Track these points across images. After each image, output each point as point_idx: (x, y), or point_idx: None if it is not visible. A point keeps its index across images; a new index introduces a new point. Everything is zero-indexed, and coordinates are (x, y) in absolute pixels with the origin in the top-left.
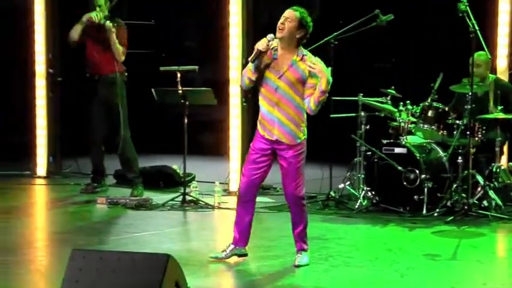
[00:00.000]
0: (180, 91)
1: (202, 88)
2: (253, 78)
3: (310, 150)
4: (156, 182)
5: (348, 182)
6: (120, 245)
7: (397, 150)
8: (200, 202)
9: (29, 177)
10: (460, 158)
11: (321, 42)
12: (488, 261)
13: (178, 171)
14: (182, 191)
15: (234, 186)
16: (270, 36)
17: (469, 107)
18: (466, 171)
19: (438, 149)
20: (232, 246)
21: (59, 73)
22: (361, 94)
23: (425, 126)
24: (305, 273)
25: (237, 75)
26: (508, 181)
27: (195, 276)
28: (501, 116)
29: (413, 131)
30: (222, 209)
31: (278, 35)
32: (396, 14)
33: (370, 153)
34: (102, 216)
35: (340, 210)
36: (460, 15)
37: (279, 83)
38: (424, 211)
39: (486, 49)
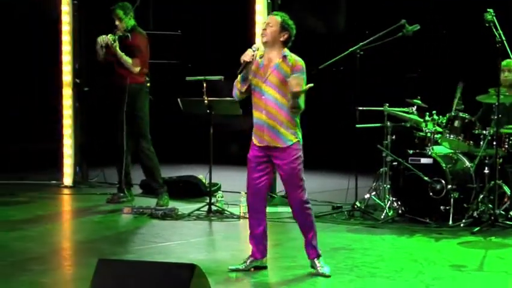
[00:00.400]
0: (206, 101)
1: (227, 98)
2: (243, 89)
3: (336, 160)
4: (182, 192)
5: (374, 192)
6: (145, 255)
7: (423, 160)
8: (226, 212)
9: (55, 187)
10: (486, 168)
11: (347, 52)
12: None
13: (204, 181)
14: (208, 200)
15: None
16: (255, 46)
17: (496, 117)
18: (492, 182)
19: (464, 159)
20: (251, 259)
21: (85, 83)
22: (387, 104)
23: (452, 136)
24: (330, 284)
25: None
26: None
27: (221, 286)
28: None
29: (439, 141)
30: (247, 218)
31: (262, 40)
32: (422, 24)
33: (396, 163)
34: (127, 225)
35: (366, 220)
36: (487, 25)
37: (265, 88)
38: (450, 222)
39: None
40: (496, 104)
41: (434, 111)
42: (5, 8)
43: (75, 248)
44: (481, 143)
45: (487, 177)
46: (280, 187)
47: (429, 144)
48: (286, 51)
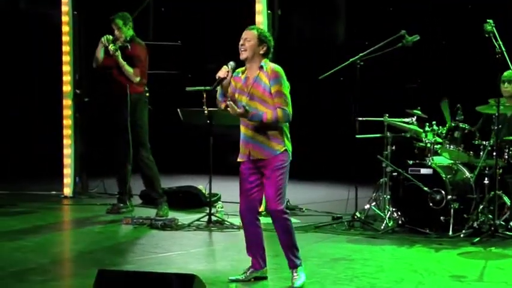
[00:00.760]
0: (206, 111)
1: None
2: (223, 106)
3: (336, 170)
4: (182, 202)
5: (374, 203)
6: (145, 265)
7: (423, 171)
8: (226, 222)
9: (56, 197)
10: (486, 179)
11: (347, 62)
12: None
13: (204, 191)
14: (208, 211)
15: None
16: (230, 63)
17: (496, 127)
18: (492, 192)
19: (464, 169)
20: (251, 269)
21: (85, 93)
22: (387, 115)
23: (452, 147)
24: None
25: None
26: None
27: None
28: None
29: (439, 151)
30: None
31: (241, 56)
32: (422, 35)
33: (396, 173)
34: (127, 236)
35: (366, 231)
36: (487, 35)
37: (250, 103)
38: (450, 232)
39: None
40: (496, 114)
41: (434, 122)
42: (10, 16)
43: (75, 258)
44: (481, 153)
45: (487, 187)
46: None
47: (429, 155)
48: (263, 61)
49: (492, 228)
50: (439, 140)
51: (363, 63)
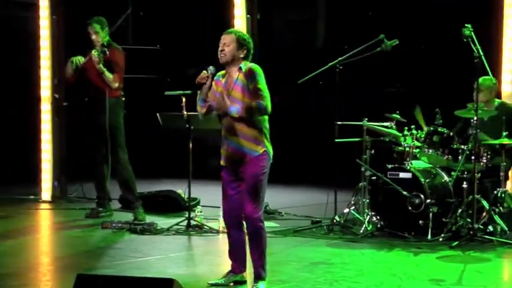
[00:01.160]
0: (185, 116)
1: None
2: (203, 111)
3: (315, 174)
4: (161, 207)
5: (353, 207)
6: (124, 270)
7: (402, 175)
8: (205, 227)
9: (34, 202)
10: (465, 183)
11: (326, 67)
12: (493, 286)
13: (183, 195)
14: (187, 215)
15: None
16: (210, 68)
17: (474, 132)
18: (471, 196)
19: (443, 173)
20: (231, 274)
21: (64, 98)
22: (366, 119)
23: (430, 151)
24: None
25: None
26: None
27: None
28: (506, 141)
29: (418, 155)
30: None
31: (221, 61)
32: (401, 39)
33: (375, 177)
34: (106, 240)
35: (345, 234)
36: (465, 40)
37: (230, 105)
38: (429, 236)
39: (491, 74)
40: (475, 119)
41: (413, 126)
42: None
43: (53, 263)
44: (460, 157)
45: (466, 191)
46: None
47: (408, 159)
48: (243, 63)
49: (471, 232)
50: (418, 144)
51: (342, 67)
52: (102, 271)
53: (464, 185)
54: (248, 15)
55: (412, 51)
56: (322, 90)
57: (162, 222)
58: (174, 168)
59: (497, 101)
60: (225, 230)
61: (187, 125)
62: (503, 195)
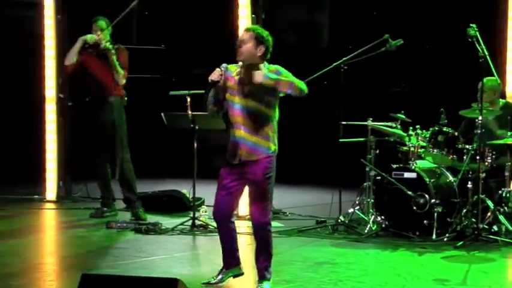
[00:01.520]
0: (190, 116)
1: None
2: (214, 109)
3: (320, 174)
4: (165, 206)
5: (358, 207)
6: (129, 270)
7: (407, 174)
8: (209, 226)
9: (39, 202)
10: (470, 182)
11: (330, 67)
12: (498, 286)
13: (187, 195)
14: (192, 215)
15: (243, 210)
16: (223, 66)
17: (479, 131)
18: (476, 196)
19: (448, 173)
20: (224, 270)
21: (68, 98)
22: (371, 119)
23: (435, 150)
24: None
25: None
26: None
27: None
28: (511, 141)
29: (423, 155)
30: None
31: (238, 58)
32: (406, 39)
33: (379, 177)
34: (111, 240)
35: (350, 234)
36: (470, 40)
37: (246, 102)
38: (434, 236)
39: (496, 74)
40: (480, 119)
41: (418, 126)
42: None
43: (58, 263)
44: (465, 157)
45: (471, 191)
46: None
47: (413, 159)
48: (263, 65)
49: (475, 232)
50: (423, 143)
51: (347, 67)
52: (107, 271)
53: (469, 185)
54: (253, 15)
55: (416, 51)
56: (326, 90)
57: (167, 222)
58: (179, 168)
59: (502, 101)
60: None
61: (191, 125)
62: (508, 195)
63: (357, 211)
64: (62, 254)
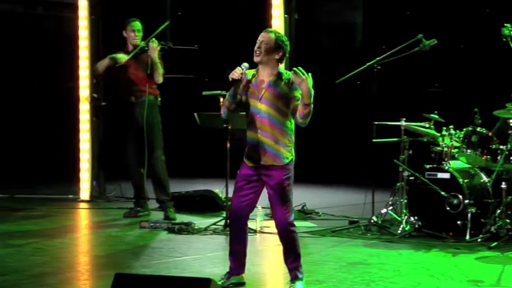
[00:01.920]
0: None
1: (244, 113)
2: (231, 108)
3: (353, 174)
4: (198, 206)
5: (391, 207)
6: (162, 269)
7: (440, 175)
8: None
9: (73, 201)
10: (503, 183)
11: (364, 67)
12: None
13: (220, 195)
14: (224, 215)
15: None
16: (244, 65)
17: None
18: (510, 197)
19: (482, 174)
20: (228, 275)
21: (102, 98)
22: (404, 119)
23: (469, 151)
24: None
25: None
26: None
27: None
28: None
29: (456, 156)
30: (264, 233)
31: (256, 59)
32: (440, 38)
33: (413, 178)
34: (144, 240)
35: (383, 235)
36: (504, 39)
37: (260, 106)
38: (468, 237)
39: None
40: None
41: (451, 126)
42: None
43: (91, 262)
44: (499, 157)
45: (505, 192)
46: (296, 202)
47: (446, 159)
48: (281, 68)
49: (510, 233)
50: (456, 144)
51: (380, 67)
52: (140, 270)
53: (503, 186)
54: (286, 15)
55: (450, 51)
56: (360, 90)
57: (200, 221)
58: (212, 168)
59: None
60: (262, 230)
61: (224, 125)
62: None
63: (390, 211)
64: (96, 254)
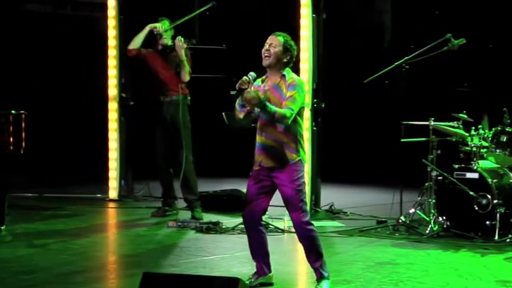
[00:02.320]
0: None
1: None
2: (241, 116)
3: (381, 174)
4: (226, 206)
5: (419, 207)
6: (190, 269)
7: (469, 175)
8: (270, 226)
9: (101, 200)
10: None
11: (392, 66)
12: None
13: None
14: None
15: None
16: (251, 74)
17: None
18: None
19: (511, 174)
20: (256, 275)
21: (130, 97)
22: (433, 118)
23: (498, 151)
24: None
25: (309, 99)
26: None
27: None
28: None
29: (485, 155)
30: (291, 232)
31: (265, 62)
32: (468, 38)
33: (441, 178)
34: (172, 239)
35: (411, 235)
36: None
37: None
38: (496, 237)
39: None
40: None
41: (480, 126)
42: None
43: (119, 261)
44: None
45: None
46: (324, 201)
47: (475, 159)
48: (286, 70)
49: None
50: (485, 144)
51: (408, 66)
52: (168, 269)
53: None
54: (314, 15)
55: (479, 51)
56: (388, 90)
57: (227, 221)
58: (240, 168)
59: None
60: (291, 230)
61: (252, 124)
62: None
63: (418, 211)
64: (124, 253)
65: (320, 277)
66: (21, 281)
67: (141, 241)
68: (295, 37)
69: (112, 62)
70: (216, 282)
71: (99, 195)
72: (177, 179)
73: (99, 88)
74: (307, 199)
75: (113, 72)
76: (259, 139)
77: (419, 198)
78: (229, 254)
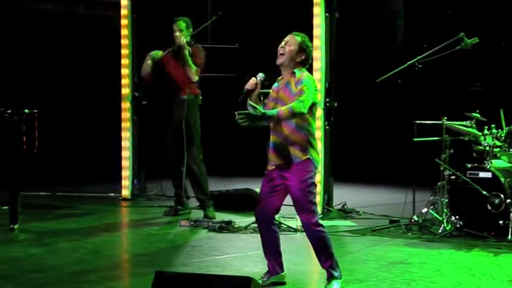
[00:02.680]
0: None
1: None
2: None
3: (394, 173)
4: (238, 205)
5: (432, 206)
6: (202, 268)
7: (482, 174)
8: (282, 225)
9: (114, 199)
10: None
11: (405, 65)
12: None
13: None
14: None
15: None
16: (260, 75)
17: None
18: None
19: None
20: (268, 274)
21: (144, 96)
22: (445, 118)
23: (511, 150)
24: None
25: (321, 99)
26: None
27: None
28: None
29: (498, 155)
30: (304, 232)
31: (278, 61)
32: (481, 37)
33: (454, 177)
34: (184, 238)
35: (424, 234)
36: None
37: (276, 106)
38: (510, 236)
39: None
40: None
41: (493, 125)
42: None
43: (132, 260)
44: None
45: None
46: (336, 200)
47: (488, 158)
48: (298, 68)
49: None
50: (498, 143)
51: (421, 65)
52: (180, 268)
53: None
54: (327, 14)
55: (492, 50)
56: (401, 89)
57: (240, 220)
58: (252, 167)
59: None
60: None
61: (265, 124)
62: None
63: (430, 211)
64: (136, 252)
65: (330, 277)
66: (33, 279)
67: (154, 240)
68: (308, 36)
69: (125, 61)
70: (229, 281)
71: (111, 194)
72: (187, 178)
73: (112, 87)
74: (320, 198)
75: (125, 71)
76: (271, 138)
77: (432, 198)
78: (241, 253)
